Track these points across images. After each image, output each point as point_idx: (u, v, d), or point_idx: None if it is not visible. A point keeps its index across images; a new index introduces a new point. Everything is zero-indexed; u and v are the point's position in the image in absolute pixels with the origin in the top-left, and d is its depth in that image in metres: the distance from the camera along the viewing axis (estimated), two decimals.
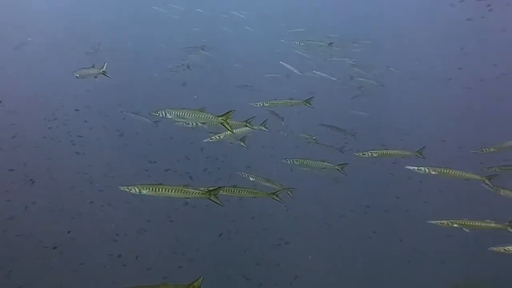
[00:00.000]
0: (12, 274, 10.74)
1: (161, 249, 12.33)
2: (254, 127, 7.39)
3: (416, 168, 7.01)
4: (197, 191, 5.77)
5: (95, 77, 8.27)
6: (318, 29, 18.60)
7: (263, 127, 7.88)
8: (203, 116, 6.45)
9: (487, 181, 6.77)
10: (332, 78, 15.47)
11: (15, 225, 11.69)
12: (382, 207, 14.01)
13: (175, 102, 8.73)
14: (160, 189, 5.76)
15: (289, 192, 8.06)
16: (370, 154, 8.05)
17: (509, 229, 6.08)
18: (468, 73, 19.34)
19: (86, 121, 15.13)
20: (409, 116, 19.80)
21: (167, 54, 18.94)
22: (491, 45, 22.53)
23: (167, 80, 16.93)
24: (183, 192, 5.74)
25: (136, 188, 5.73)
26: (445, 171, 6.87)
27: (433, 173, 6.83)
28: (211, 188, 5.78)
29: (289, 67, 16.45)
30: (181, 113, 6.45)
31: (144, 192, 5.76)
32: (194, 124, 6.67)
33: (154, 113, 6.54)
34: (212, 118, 6.46)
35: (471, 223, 6.12)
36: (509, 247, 5.48)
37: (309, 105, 8.68)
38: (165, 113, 6.46)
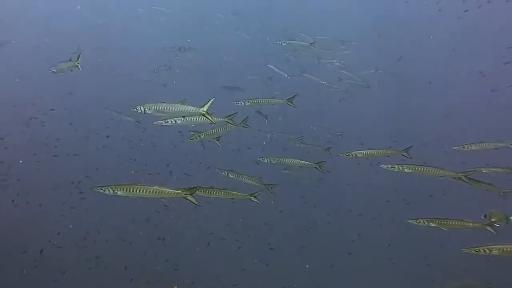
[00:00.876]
0: None
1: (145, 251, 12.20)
2: (236, 124, 7.24)
3: (390, 166, 6.85)
4: (173, 191, 5.60)
5: (71, 70, 8.09)
6: (308, 30, 18.45)
7: (243, 125, 7.73)
8: (184, 109, 6.26)
9: (463, 178, 6.64)
10: (321, 81, 15.36)
11: None
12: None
13: None
14: (135, 190, 5.55)
15: (269, 189, 7.94)
16: (354, 154, 7.87)
17: (487, 228, 5.99)
18: (455, 73, 19.44)
19: (71, 124, 14.95)
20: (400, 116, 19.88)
21: (152, 55, 18.76)
22: (479, 45, 22.66)
23: (150, 82, 16.79)
24: (159, 192, 5.57)
25: (110, 189, 5.53)
26: (419, 168, 6.72)
27: (407, 171, 6.68)
28: (188, 188, 5.64)
29: (276, 69, 16.34)
30: (161, 107, 6.25)
31: (119, 193, 5.55)
32: (173, 122, 6.44)
33: (133, 109, 6.33)
34: (193, 110, 6.29)
35: (448, 222, 6.01)
36: (480, 247, 5.35)
37: (292, 104, 8.57)
38: (144, 108, 6.27)
